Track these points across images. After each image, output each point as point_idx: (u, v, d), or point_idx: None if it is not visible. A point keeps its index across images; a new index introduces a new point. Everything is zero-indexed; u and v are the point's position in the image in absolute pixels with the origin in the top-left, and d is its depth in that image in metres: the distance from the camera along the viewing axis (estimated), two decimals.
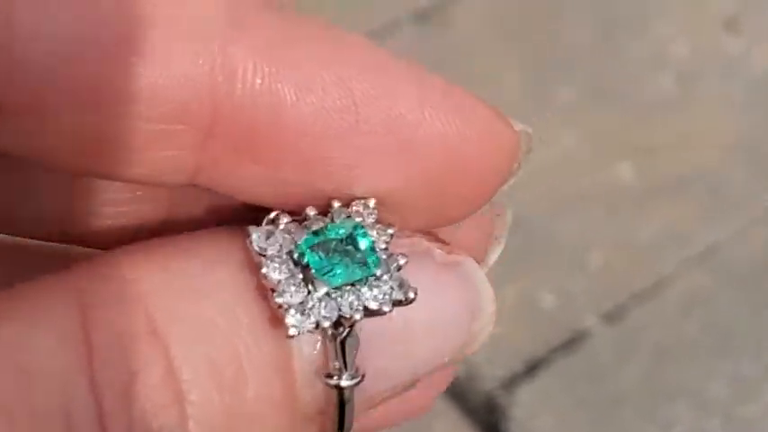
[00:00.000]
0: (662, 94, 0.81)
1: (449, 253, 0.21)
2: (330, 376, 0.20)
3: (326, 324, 0.19)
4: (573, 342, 0.69)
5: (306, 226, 0.20)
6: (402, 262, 0.20)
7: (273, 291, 0.19)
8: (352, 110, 0.19)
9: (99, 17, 0.18)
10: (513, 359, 0.68)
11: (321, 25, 0.20)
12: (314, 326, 0.19)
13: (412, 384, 0.21)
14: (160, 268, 0.19)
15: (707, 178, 0.77)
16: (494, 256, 0.24)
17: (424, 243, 0.21)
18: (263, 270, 0.19)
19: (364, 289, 0.20)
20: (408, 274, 0.20)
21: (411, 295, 0.20)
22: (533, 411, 0.66)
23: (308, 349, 0.20)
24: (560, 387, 0.68)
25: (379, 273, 0.20)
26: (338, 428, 0.20)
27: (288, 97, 0.19)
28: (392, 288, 0.20)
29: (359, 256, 0.20)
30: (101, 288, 0.18)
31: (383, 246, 0.20)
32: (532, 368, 0.68)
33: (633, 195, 0.76)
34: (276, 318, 0.19)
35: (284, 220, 0.20)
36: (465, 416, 0.66)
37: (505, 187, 0.22)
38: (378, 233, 0.20)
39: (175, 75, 0.18)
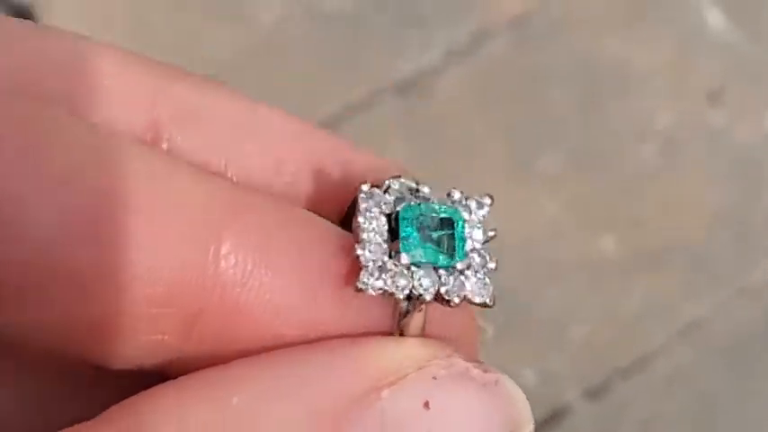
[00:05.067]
0: (645, 164, 0.80)
1: (485, 371, 0.20)
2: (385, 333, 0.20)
3: (398, 294, 0.19)
4: (554, 419, 0.68)
5: (414, 194, 0.20)
6: (492, 266, 0.20)
7: (357, 241, 0.19)
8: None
9: (91, 204, 0.18)
10: None
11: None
12: (381, 290, 0.19)
13: None
14: (258, 378, 0.19)
15: (691, 251, 0.76)
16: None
17: (461, 362, 0.20)
18: (360, 219, 0.20)
19: (443, 275, 0.20)
20: (451, 398, 0.19)
21: (489, 301, 0.20)
22: None
23: None
24: None
25: (460, 266, 0.20)
26: None
27: (275, 282, 0.19)
28: (472, 286, 0.20)
29: (449, 243, 0.20)
30: (203, 407, 0.18)
31: (477, 245, 0.20)
32: None
33: (616, 267, 0.75)
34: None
35: (395, 184, 0.20)
36: None
37: None
38: (476, 230, 0.20)
39: (167, 258, 0.18)
